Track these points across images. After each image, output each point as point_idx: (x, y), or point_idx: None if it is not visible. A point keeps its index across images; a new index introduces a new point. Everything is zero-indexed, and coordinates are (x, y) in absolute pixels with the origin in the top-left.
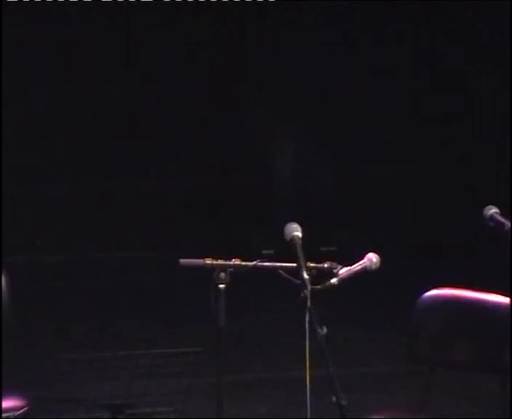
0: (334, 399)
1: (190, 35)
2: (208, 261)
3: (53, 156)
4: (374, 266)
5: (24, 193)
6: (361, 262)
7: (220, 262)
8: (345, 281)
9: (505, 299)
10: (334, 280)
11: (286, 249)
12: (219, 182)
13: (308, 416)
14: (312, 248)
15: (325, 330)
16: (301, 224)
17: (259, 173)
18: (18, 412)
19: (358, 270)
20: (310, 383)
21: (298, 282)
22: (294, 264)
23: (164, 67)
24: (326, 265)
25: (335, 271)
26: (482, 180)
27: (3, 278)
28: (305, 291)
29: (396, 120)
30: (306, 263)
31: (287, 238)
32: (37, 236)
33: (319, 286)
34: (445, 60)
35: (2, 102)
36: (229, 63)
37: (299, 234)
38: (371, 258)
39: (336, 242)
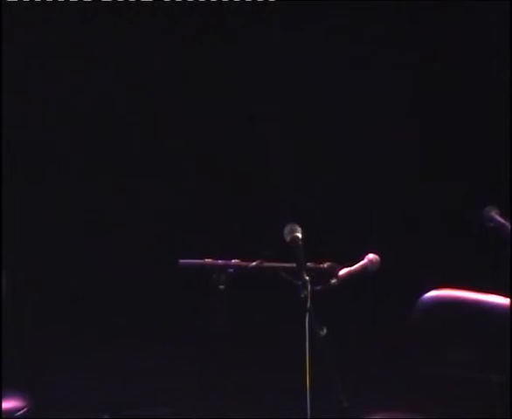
0: (335, 400)
1: (190, 35)
2: (208, 261)
3: (54, 156)
4: (374, 267)
5: (25, 192)
6: (361, 262)
7: (220, 262)
8: (345, 281)
9: (505, 300)
10: (334, 281)
11: (286, 249)
12: (219, 182)
13: (308, 417)
14: (312, 248)
15: (325, 331)
16: (302, 225)
17: (259, 172)
18: (18, 412)
19: (358, 270)
20: (310, 384)
21: (298, 283)
22: (294, 265)
23: (164, 67)
24: (326, 266)
25: (335, 271)
26: (482, 180)
27: (3, 277)
28: (305, 291)
29: (396, 121)
30: (306, 263)
31: (287, 239)
32: (36, 235)
33: (319, 287)
34: (445, 60)
35: (2, 102)
36: (229, 63)
37: (299, 235)
38: (371, 259)
39: (336, 242)
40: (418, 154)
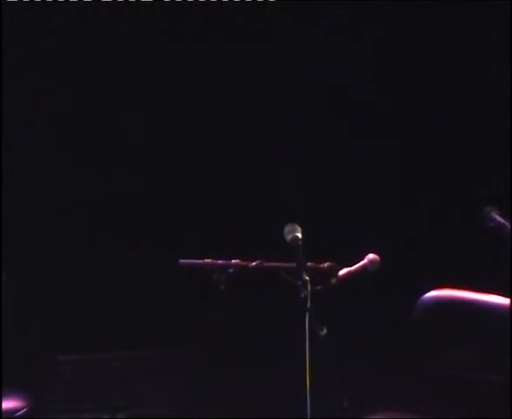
0: (335, 400)
1: (190, 35)
2: (208, 261)
3: (54, 156)
4: (374, 267)
5: (25, 192)
6: (361, 262)
7: (220, 262)
8: (345, 281)
9: (505, 300)
10: (334, 281)
11: (286, 249)
12: (219, 182)
13: (309, 416)
14: (312, 248)
15: (325, 331)
16: (302, 224)
17: (259, 172)
18: (18, 412)
19: (358, 270)
20: (310, 384)
21: (298, 283)
22: (294, 265)
23: (164, 67)
24: (326, 266)
25: (334, 271)
26: (482, 180)
27: (3, 277)
28: (305, 291)
29: (396, 120)
30: (306, 263)
31: (287, 239)
32: (36, 235)
33: (319, 287)
34: (445, 60)
35: (2, 102)
36: (229, 63)
37: (299, 234)
38: (371, 259)
39: (336, 242)
40: (419, 154)
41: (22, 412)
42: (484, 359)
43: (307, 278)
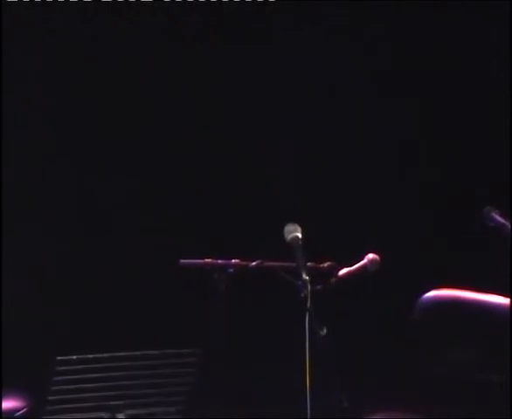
0: (335, 400)
1: (190, 35)
2: (208, 261)
3: (54, 156)
4: (374, 266)
5: (25, 192)
6: (361, 262)
7: (220, 262)
8: (345, 281)
9: (505, 300)
10: (333, 280)
11: (286, 249)
12: (219, 182)
13: (309, 417)
14: (312, 248)
15: (325, 331)
16: (302, 224)
17: (259, 172)
18: (18, 412)
19: (358, 270)
20: (310, 384)
21: (298, 282)
22: (294, 265)
23: (164, 67)
24: (326, 266)
25: (334, 271)
26: (482, 180)
27: (3, 277)
28: (305, 291)
29: (396, 121)
30: (306, 263)
31: (287, 239)
32: (36, 235)
33: (319, 287)
34: (444, 60)
35: (2, 102)
36: (229, 63)
37: (299, 234)
38: (371, 259)
39: (336, 242)
40: (419, 154)
41: (22, 412)
42: (484, 359)
43: (307, 277)
